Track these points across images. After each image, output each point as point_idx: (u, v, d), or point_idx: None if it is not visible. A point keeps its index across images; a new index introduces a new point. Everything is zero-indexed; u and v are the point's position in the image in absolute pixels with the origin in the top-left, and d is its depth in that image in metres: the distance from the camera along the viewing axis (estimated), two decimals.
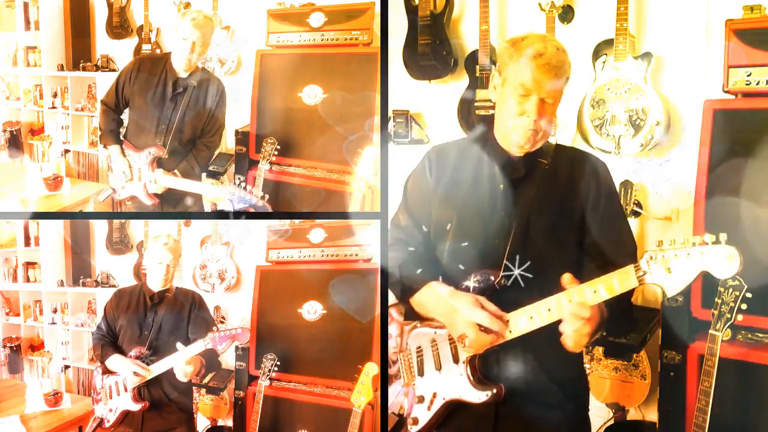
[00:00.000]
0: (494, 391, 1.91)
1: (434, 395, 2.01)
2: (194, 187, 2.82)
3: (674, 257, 1.66)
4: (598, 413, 3.04)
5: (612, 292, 1.72)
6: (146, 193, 2.82)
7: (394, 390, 2.16)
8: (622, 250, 1.89)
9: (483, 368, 1.94)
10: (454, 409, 1.99)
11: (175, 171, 2.82)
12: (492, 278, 1.90)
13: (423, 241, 2.06)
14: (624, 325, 2.27)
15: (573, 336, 1.74)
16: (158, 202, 2.84)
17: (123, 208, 2.94)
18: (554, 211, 1.93)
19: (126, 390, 2.69)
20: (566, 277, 1.77)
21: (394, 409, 2.17)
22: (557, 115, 2.99)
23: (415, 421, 2.03)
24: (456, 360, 1.97)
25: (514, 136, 1.91)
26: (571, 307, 1.73)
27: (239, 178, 2.86)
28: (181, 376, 2.65)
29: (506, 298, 1.89)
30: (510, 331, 1.86)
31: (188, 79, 2.79)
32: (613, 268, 1.74)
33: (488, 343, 1.86)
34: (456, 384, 1.95)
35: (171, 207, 2.88)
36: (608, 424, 3.03)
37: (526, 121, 1.88)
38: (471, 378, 1.93)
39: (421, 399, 2.03)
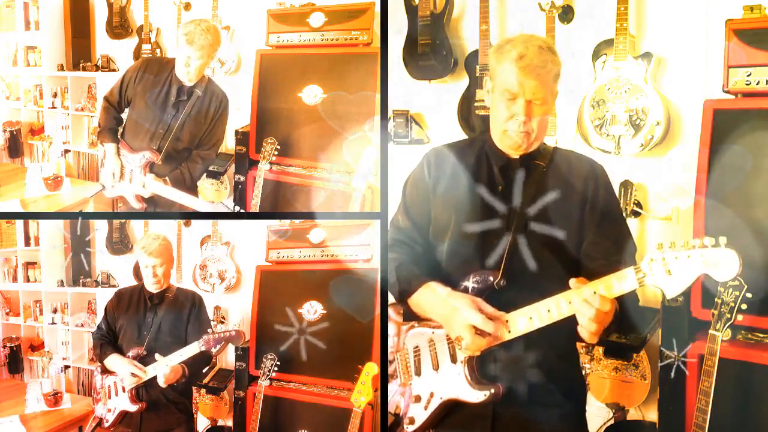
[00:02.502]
0: (492, 391, 1.89)
1: (431, 395, 2.00)
2: (181, 198, 2.80)
3: (674, 259, 1.65)
4: (598, 413, 3.03)
5: (612, 294, 1.72)
6: (134, 195, 2.81)
7: (392, 389, 2.15)
8: (622, 252, 1.88)
9: (481, 368, 1.93)
10: (450, 409, 1.98)
11: (166, 178, 2.81)
12: (491, 279, 1.89)
13: (422, 241, 2.05)
14: (630, 322, 2.26)
15: (585, 333, 1.73)
16: (145, 207, 2.84)
17: (118, 209, 2.94)
18: (552, 213, 1.92)
19: (124, 390, 2.69)
20: (573, 281, 1.76)
21: (390, 408, 2.16)
22: (556, 115, 3.04)
23: (412, 421, 2.02)
24: (454, 360, 1.96)
25: (508, 138, 1.92)
26: (578, 305, 1.72)
27: (239, 178, 2.86)
28: (162, 381, 2.65)
29: (505, 298, 1.88)
30: (509, 332, 1.85)
31: (193, 88, 2.78)
32: (613, 269, 1.73)
33: (485, 346, 1.85)
34: (454, 384, 1.94)
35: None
36: (608, 424, 3.02)
37: (516, 124, 1.88)
38: (469, 378, 1.92)
39: (417, 398, 2.02)
